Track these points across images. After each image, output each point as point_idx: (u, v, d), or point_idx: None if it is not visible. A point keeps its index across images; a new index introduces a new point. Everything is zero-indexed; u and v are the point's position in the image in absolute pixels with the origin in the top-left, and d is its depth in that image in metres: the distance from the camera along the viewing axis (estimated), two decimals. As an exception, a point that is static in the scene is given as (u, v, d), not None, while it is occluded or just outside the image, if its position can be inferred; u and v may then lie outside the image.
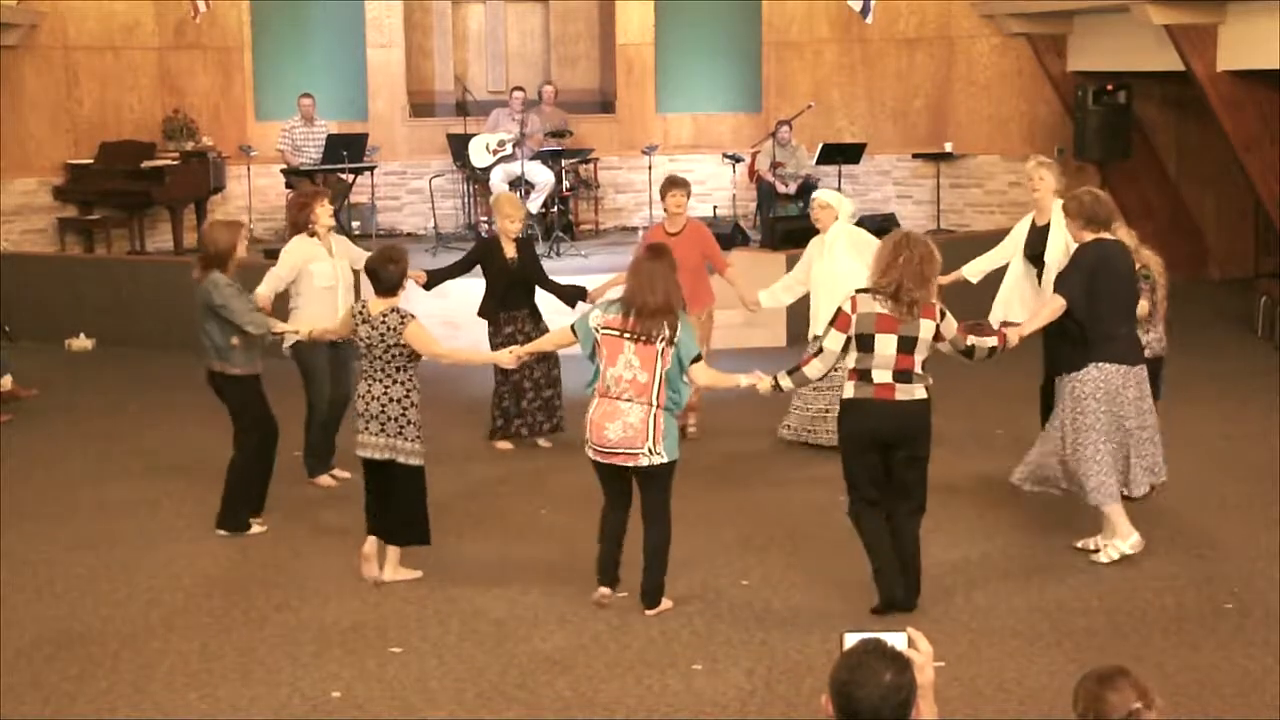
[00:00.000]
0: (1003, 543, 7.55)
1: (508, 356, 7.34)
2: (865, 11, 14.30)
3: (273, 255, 9.48)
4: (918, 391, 6.45)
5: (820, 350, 6.59)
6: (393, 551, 7.15)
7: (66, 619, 6.70)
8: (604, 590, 6.75)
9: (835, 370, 6.75)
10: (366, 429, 7.04)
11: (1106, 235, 7.22)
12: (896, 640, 3.29)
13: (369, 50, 16.13)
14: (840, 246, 9.17)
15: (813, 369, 6.64)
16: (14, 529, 7.96)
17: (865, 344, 6.41)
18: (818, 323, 8.84)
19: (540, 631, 6.48)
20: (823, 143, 15.30)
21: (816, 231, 9.51)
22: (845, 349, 6.50)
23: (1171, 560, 7.30)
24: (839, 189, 15.21)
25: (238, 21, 15.85)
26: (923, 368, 6.48)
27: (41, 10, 14.90)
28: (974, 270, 9.03)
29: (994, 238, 9.47)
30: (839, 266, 9.07)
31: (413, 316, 6.99)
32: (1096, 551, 7.28)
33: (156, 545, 7.74)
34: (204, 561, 7.48)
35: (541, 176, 14.44)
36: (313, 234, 8.51)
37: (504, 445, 9.53)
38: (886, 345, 6.38)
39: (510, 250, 9.29)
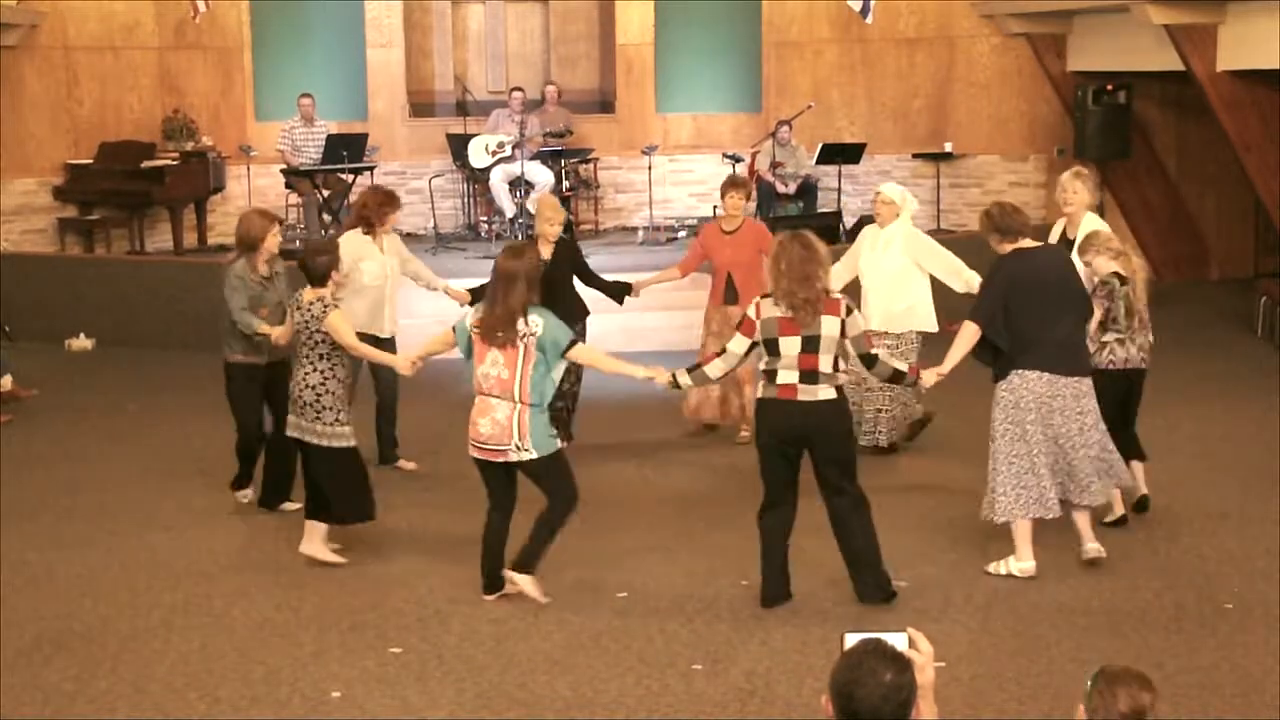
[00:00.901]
0: (1002, 543, 7.54)
1: (404, 362, 7.33)
2: (865, 11, 14.30)
3: (288, 256, 9.50)
4: (822, 392, 6.46)
5: (724, 351, 6.68)
6: (316, 528, 7.32)
7: (66, 619, 6.70)
8: (487, 596, 6.85)
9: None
10: (291, 410, 7.35)
11: (1026, 244, 6.97)
12: (896, 640, 3.29)
13: (369, 50, 16.13)
14: (898, 245, 9.11)
15: (713, 368, 6.73)
16: (14, 528, 7.97)
17: (771, 348, 6.49)
18: (867, 318, 8.50)
19: (540, 631, 6.48)
20: (823, 143, 15.30)
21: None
22: (749, 352, 6.58)
23: (1171, 560, 7.30)
24: (839, 189, 15.30)
25: (238, 21, 15.84)
26: (835, 367, 6.47)
27: (41, 10, 14.90)
28: None
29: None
30: (892, 264, 9.07)
31: (335, 306, 7.26)
32: (1094, 560, 7.14)
33: (156, 545, 7.74)
34: (204, 562, 7.48)
35: (541, 176, 14.45)
36: (368, 231, 8.70)
37: None
38: (790, 347, 6.45)
39: (545, 252, 9.34)
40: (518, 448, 6.59)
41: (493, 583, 6.84)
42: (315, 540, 7.35)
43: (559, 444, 6.75)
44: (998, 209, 7.08)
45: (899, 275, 9.07)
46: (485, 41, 16.92)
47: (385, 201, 8.88)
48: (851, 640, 3.29)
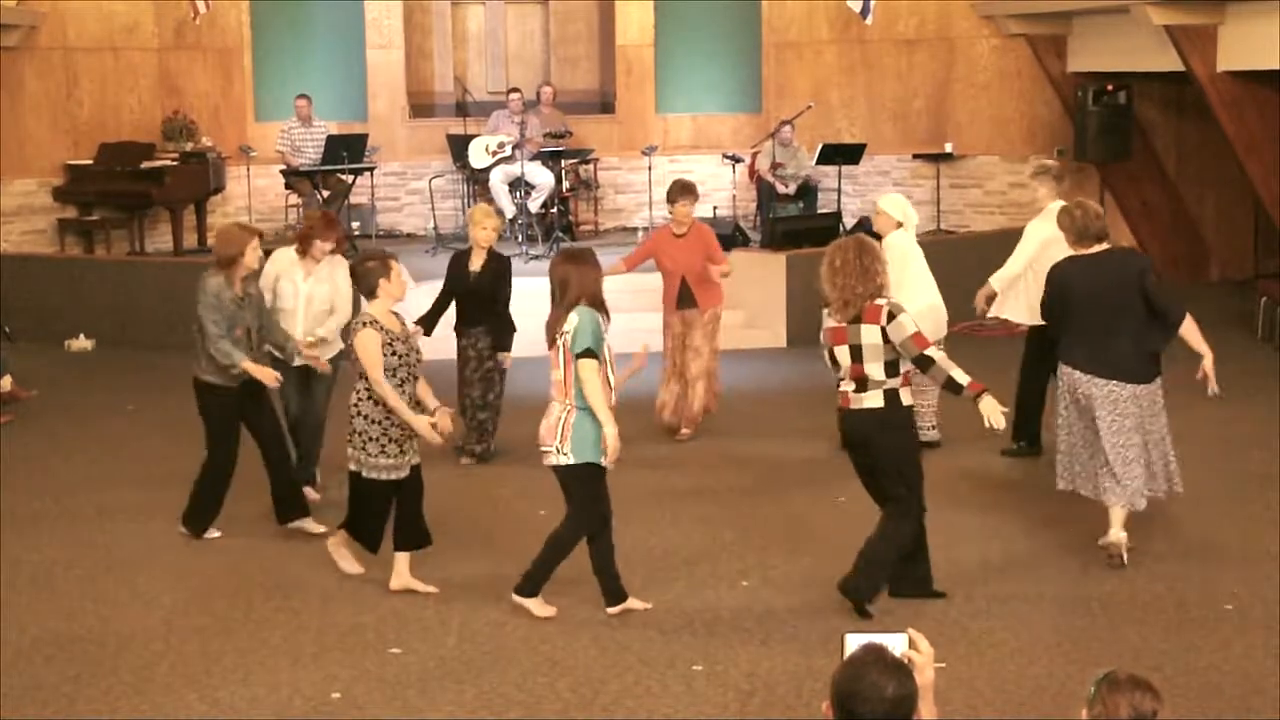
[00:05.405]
0: (1002, 543, 7.55)
1: (429, 426, 6.76)
2: (865, 12, 14.31)
3: None
4: (868, 400, 6.47)
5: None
6: (400, 558, 7.04)
7: (66, 619, 6.70)
8: (610, 610, 6.72)
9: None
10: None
11: (1089, 250, 7.17)
12: (896, 641, 3.29)
13: (369, 51, 16.14)
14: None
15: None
16: (14, 530, 7.96)
17: (832, 358, 6.57)
18: None
19: (540, 632, 6.47)
20: (823, 143, 15.31)
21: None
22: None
23: (1171, 560, 7.30)
24: (839, 190, 15.30)
25: (237, 22, 15.85)
26: (888, 373, 6.41)
27: (41, 11, 14.90)
28: None
29: (994, 238, 9.47)
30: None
31: (367, 324, 6.69)
32: (1115, 556, 7.12)
33: (156, 546, 7.74)
34: (204, 562, 7.48)
35: (541, 177, 14.45)
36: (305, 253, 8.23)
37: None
38: (843, 356, 6.49)
39: (476, 263, 9.10)
40: (558, 450, 6.43)
41: (614, 595, 6.64)
42: (402, 572, 7.00)
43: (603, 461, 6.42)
44: (1080, 212, 7.21)
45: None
46: (485, 42, 16.93)
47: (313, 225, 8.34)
48: (852, 641, 3.28)
